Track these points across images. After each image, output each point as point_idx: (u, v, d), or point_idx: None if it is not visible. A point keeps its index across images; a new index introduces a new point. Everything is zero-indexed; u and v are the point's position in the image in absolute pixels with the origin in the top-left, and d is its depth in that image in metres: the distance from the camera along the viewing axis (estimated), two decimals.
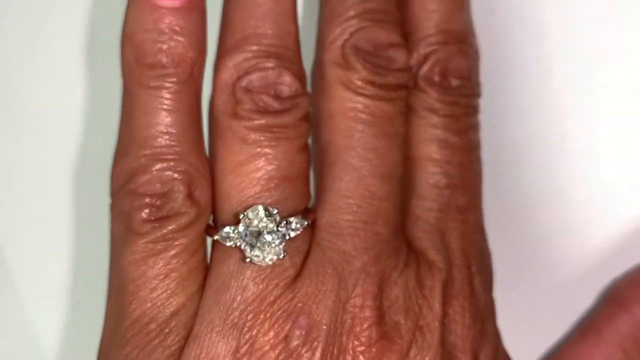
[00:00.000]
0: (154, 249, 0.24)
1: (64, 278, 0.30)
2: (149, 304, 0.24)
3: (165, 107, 0.25)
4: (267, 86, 0.25)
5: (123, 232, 0.25)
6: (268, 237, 0.25)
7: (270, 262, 0.25)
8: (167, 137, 0.25)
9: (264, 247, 0.24)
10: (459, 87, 0.27)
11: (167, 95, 0.25)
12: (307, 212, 0.26)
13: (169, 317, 0.25)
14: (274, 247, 0.25)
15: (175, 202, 0.25)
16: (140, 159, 0.25)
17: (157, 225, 0.24)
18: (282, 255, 0.25)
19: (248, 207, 0.25)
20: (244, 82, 0.25)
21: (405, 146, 0.27)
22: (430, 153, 0.27)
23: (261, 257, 0.24)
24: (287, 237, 0.25)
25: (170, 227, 0.24)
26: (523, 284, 0.31)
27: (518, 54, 0.30)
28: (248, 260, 0.24)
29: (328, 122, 0.26)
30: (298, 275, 0.25)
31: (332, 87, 0.26)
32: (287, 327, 0.24)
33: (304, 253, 0.25)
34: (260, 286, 0.25)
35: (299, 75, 0.26)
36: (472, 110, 0.27)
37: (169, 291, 0.25)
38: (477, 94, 0.28)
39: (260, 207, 0.25)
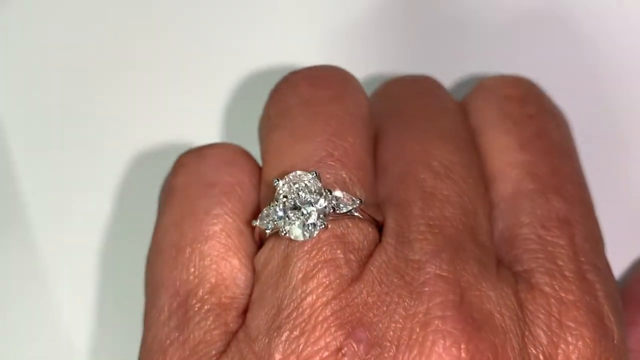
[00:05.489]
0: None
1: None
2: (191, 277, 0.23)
3: None
4: None
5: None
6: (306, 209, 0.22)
7: (306, 236, 0.21)
8: None
9: (298, 219, 0.22)
10: None
11: None
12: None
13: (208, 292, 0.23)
14: (311, 218, 0.21)
15: None
16: None
17: None
18: (322, 226, 0.21)
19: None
20: None
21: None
22: None
23: (295, 231, 0.22)
24: (329, 211, 0.22)
25: None
26: None
27: None
28: (283, 233, 0.22)
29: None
30: (356, 278, 0.21)
31: None
32: (340, 338, 0.21)
33: (360, 251, 0.22)
34: (311, 285, 0.21)
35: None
36: None
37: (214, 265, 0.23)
38: None
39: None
